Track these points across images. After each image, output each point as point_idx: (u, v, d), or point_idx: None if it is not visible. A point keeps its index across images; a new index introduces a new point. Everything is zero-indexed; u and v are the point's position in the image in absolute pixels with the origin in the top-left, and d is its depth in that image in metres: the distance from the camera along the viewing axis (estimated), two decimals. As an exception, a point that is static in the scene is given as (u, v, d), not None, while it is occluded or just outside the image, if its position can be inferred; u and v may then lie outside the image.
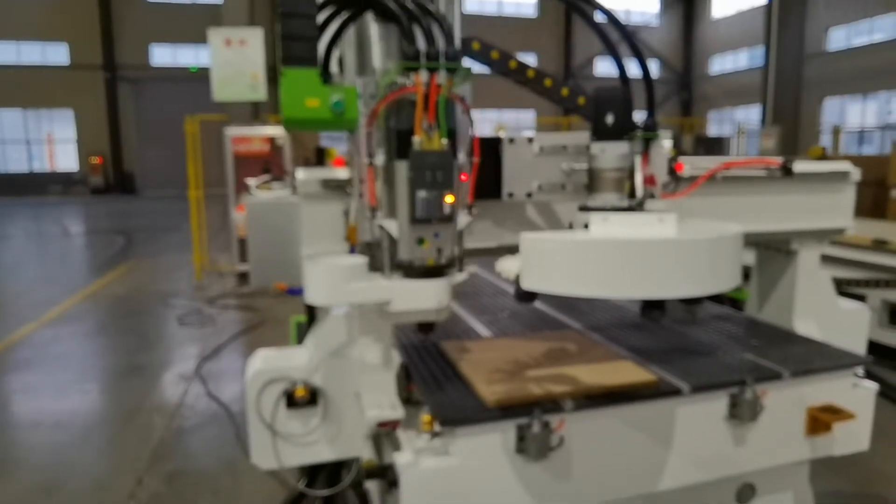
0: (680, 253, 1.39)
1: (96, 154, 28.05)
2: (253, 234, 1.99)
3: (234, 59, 2.74)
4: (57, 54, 27.84)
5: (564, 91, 2.53)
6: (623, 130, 1.67)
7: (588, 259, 1.41)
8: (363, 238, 1.87)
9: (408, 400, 2.19)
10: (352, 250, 1.96)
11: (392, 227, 1.68)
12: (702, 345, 2.52)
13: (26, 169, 28.74)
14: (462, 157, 1.74)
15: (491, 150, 2.01)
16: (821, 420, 2.25)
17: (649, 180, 1.82)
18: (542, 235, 1.53)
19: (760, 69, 19.60)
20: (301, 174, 2.01)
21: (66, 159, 28.75)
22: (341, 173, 2.01)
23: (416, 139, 1.60)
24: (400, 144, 1.64)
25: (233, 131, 8.68)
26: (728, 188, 2.31)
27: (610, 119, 1.65)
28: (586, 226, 1.62)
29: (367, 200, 1.75)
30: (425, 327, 1.83)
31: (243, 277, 8.74)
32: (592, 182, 1.73)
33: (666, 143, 1.89)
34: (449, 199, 1.62)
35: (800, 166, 2.30)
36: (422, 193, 1.59)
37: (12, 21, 26.69)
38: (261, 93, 2.64)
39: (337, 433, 2.17)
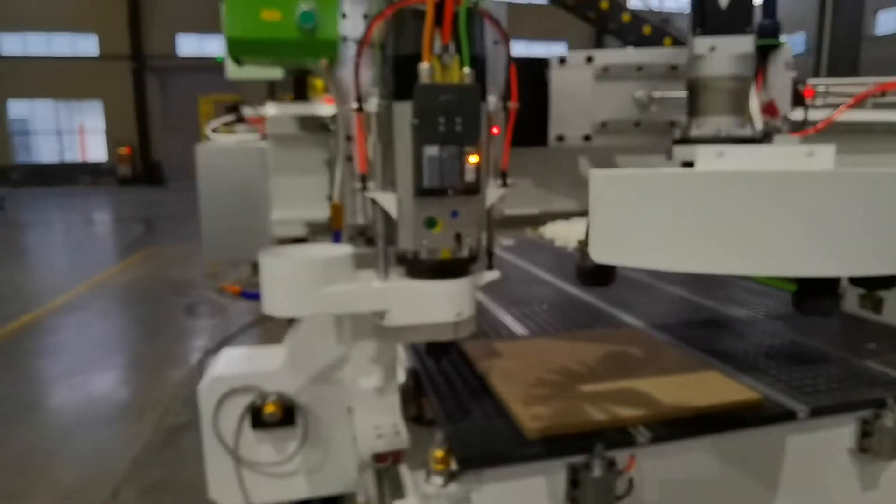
0: (875, 197, 0.80)
1: (124, 144, 28.20)
2: (206, 192, 1.45)
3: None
4: (86, 45, 28.00)
5: (625, 17, 1.92)
6: (745, 18, 1.08)
7: (712, 207, 0.82)
8: (353, 220, 1.33)
9: (418, 418, 1.66)
10: (336, 237, 1.42)
11: (389, 202, 1.14)
12: (803, 348, 1.91)
13: (57, 159, 29.05)
14: (493, 101, 1.19)
15: (533, 76, 1.44)
16: None
17: (768, 108, 1.22)
18: (627, 171, 0.94)
19: (802, 56, 18.50)
20: (272, 109, 1.47)
21: (96, 150, 28.98)
22: (325, 110, 1.46)
23: (424, 66, 1.06)
24: (401, 77, 1.12)
25: (247, 112, 8.22)
26: (875, 132, 1.66)
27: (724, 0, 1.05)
28: (685, 167, 1.04)
29: (356, 165, 1.21)
30: (438, 349, 1.29)
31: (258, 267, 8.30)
32: (696, 100, 1.13)
33: (790, 58, 1.29)
34: (473, 159, 1.08)
35: None
36: (432, 150, 1.07)
37: (43, 12, 26.91)
38: (276, 71, 2.14)
39: (321, 463, 1.64)
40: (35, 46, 27.28)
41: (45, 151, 28.89)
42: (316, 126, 1.46)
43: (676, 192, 0.84)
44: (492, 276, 1.26)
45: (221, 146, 1.49)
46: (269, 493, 1.64)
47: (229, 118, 1.60)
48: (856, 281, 0.96)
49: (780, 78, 1.28)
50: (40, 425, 4.03)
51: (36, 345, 5.74)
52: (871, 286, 0.97)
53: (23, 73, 26.79)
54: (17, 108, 27.88)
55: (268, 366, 1.59)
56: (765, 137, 1.09)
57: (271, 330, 5.89)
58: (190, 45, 28.59)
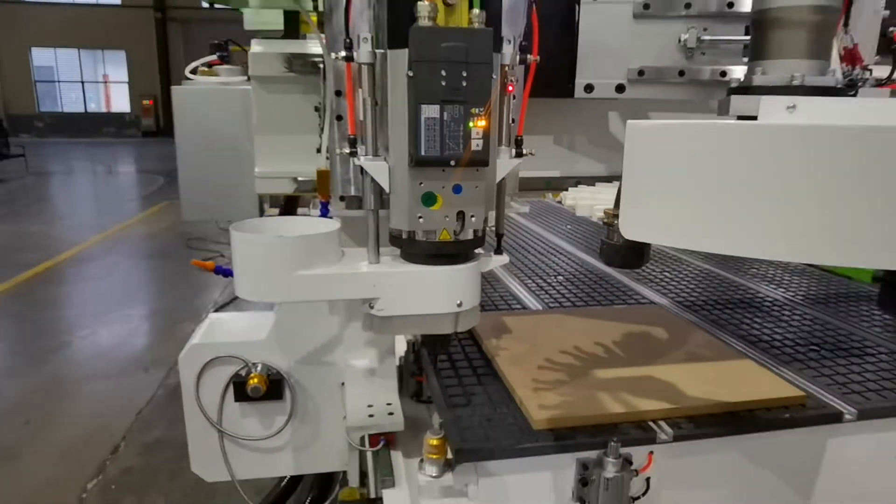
0: None
1: (148, 96, 28.13)
2: (182, 141, 1.29)
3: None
4: (110, -7, 27.72)
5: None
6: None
7: (788, 175, 0.63)
8: (344, 190, 1.16)
9: (418, 394, 1.52)
10: (323, 210, 1.26)
11: (380, 172, 0.98)
12: (850, 338, 1.72)
13: (82, 109, 29.15)
14: (509, 52, 1.01)
15: (560, 14, 1.23)
16: None
17: (849, 56, 1.00)
18: (674, 122, 0.74)
19: None
20: (256, 47, 1.28)
21: (120, 100, 29.00)
22: (317, 47, 1.26)
23: (425, 4, 0.88)
24: (396, 18, 0.94)
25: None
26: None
27: None
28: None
29: (345, 126, 1.05)
30: (436, 342, 1.14)
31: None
32: (763, 39, 0.92)
33: (876, -4, 1.06)
34: (481, 123, 0.91)
35: None
36: (431, 110, 0.90)
37: (67, -42, 26.63)
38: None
39: (310, 440, 1.51)
40: (59, -7, 27.11)
41: (70, 101, 28.94)
42: (306, 66, 1.27)
43: (737, 151, 0.64)
44: (500, 260, 1.10)
45: (200, 89, 1.31)
46: (254, 468, 1.53)
47: (211, 58, 1.42)
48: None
49: (867, 19, 1.06)
50: (44, 380, 4.03)
51: (44, 297, 5.77)
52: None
53: (46, 21, 26.65)
54: (42, 57, 27.85)
55: (254, 334, 1.46)
56: (849, 87, 0.88)
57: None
58: (213, -4, 28.10)
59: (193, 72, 1.39)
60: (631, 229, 0.74)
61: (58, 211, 10.20)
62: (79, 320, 5.12)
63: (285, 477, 1.90)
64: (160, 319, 5.17)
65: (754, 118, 0.80)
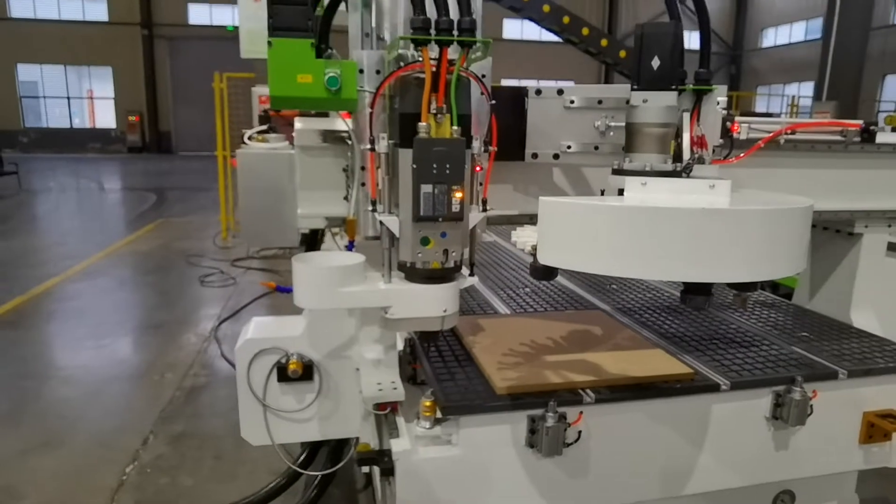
0: (736, 226, 1.13)
1: (134, 112, 28.32)
2: (244, 190, 1.79)
3: (263, 16, 2.51)
4: (96, 11, 27.99)
5: (604, 42, 2.23)
6: (671, 78, 1.39)
7: (619, 230, 1.16)
8: (366, 233, 1.65)
9: (412, 378, 2.01)
10: (350, 246, 1.76)
11: (393, 224, 1.46)
12: (744, 335, 2.26)
13: (67, 125, 29.25)
14: (477, 146, 1.49)
15: (514, 103, 1.75)
16: (879, 427, 1.99)
17: (699, 142, 1.55)
18: (564, 200, 1.28)
19: (817, 41, 18.50)
20: (298, 124, 1.79)
21: (106, 117, 29.15)
22: (343, 125, 1.78)
23: (423, 125, 1.38)
24: (404, 130, 1.42)
25: (260, 90, 8.47)
26: (788, 158, 2.00)
27: (656, 63, 1.37)
28: (620, 192, 1.37)
29: (368, 190, 1.53)
30: (428, 336, 1.63)
31: (268, 239, 8.65)
32: (630, 140, 1.46)
33: (721, 99, 1.60)
34: (458, 195, 1.40)
35: (885, 136, 1.97)
36: (426, 188, 1.38)
37: (54, -24, 26.82)
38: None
39: (333, 411, 2.00)
40: (45, 10, 27.35)
41: (55, 116, 29.05)
42: (336, 138, 1.78)
43: (600, 218, 1.17)
44: (472, 280, 1.58)
45: (257, 152, 1.81)
46: (289, 434, 2.00)
47: (262, 128, 1.92)
48: (729, 284, 1.29)
49: (711, 116, 1.60)
50: (71, 382, 4.43)
51: (58, 309, 6.14)
52: (739, 289, 1.30)
53: (32, 37, 26.86)
54: (27, 72, 28.03)
55: (292, 332, 1.94)
56: (685, 169, 1.41)
57: (279, 299, 6.27)
58: (201, 14, 28.52)
59: (250, 138, 1.89)
60: (544, 258, 1.27)
61: (58, 228, 10.50)
62: (96, 330, 5.52)
63: (307, 448, 2.37)
64: (168, 331, 5.58)
65: (622, 189, 1.33)
